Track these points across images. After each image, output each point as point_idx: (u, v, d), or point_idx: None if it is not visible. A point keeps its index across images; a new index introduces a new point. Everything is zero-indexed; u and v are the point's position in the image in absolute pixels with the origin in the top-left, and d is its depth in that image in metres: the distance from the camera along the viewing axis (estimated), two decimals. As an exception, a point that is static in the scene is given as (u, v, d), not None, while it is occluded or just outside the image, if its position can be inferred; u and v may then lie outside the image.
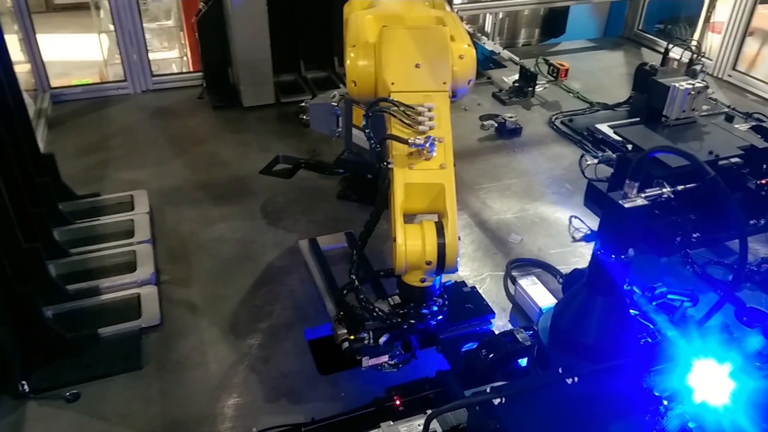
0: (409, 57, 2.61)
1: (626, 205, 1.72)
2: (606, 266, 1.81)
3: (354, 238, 3.72)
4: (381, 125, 2.65)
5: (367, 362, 2.63)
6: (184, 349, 2.99)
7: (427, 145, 2.35)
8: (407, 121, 2.45)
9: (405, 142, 2.38)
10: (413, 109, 2.46)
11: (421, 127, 2.43)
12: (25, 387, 2.72)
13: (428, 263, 2.27)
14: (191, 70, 7.21)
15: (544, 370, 1.98)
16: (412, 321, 2.48)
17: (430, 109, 2.48)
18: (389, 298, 2.61)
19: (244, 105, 5.39)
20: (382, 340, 2.56)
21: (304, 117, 4.19)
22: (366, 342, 2.55)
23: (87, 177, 4.34)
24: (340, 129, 4.11)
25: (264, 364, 2.92)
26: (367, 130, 2.52)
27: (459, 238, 2.36)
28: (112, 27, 5.57)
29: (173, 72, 7.10)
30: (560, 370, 1.86)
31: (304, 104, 4.19)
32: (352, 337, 2.56)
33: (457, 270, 2.42)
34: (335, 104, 4.05)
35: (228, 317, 3.19)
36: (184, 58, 8.21)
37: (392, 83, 2.55)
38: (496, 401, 1.73)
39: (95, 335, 3.01)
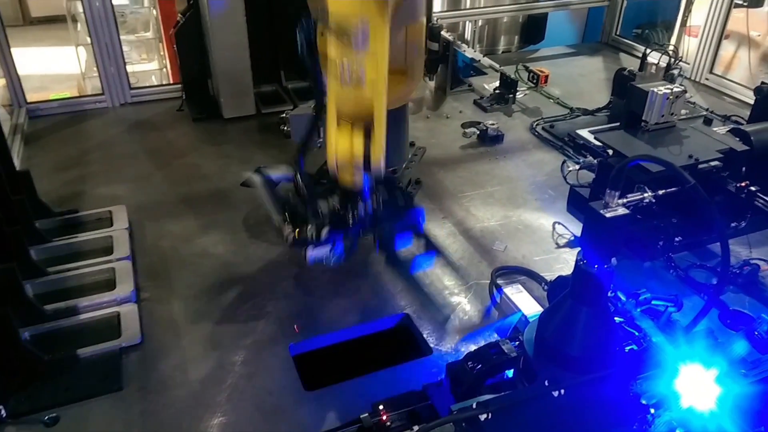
0: None
1: (607, 215, 1.71)
2: (589, 276, 1.80)
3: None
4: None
5: (310, 253, 2.82)
6: (165, 369, 2.93)
7: (358, 69, 2.42)
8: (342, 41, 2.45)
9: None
10: (346, 29, 2.44)
11: (354, 47, 2.45)
12: (2, 412, 2.65)
13: (356, 163, 2.53)
14: (171, 81, 7.15)
15: (530, 382, 1.97)
16: (349, 216, 2.74)
17: (363, 23, 2.44)
18: (328, 198, 2.82)
19: (224, 116, 5.35)
20: (323, 233, 2.78)
21: (285, 128, 4.16)
22: (310, 237, 2.77)
23: (64, 193, 4.27)
24: (321, 140, 4.07)
25: (248, 382, 2.87)
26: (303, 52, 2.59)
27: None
28: (89, 39, 5.49)
29: (152, 84, 7.04)
30: (546, 383, 1.84)
31: (284, 115, 4.16)
32: (296, 233, 2.79)
33: (381, 174, 2.67)
34: (315, 114, 4.02)
35: (210, 334, 3.14)
36: (164, 69, 8.15)
37: None
38: (483, 417, 1.71)
39: (74, 356, 2.94)
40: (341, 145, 2.54)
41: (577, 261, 1.86)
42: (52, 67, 9.22)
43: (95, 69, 5.70)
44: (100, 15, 5.28)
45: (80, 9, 5.96)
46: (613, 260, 1.80)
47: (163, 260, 3.66)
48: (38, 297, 3.24)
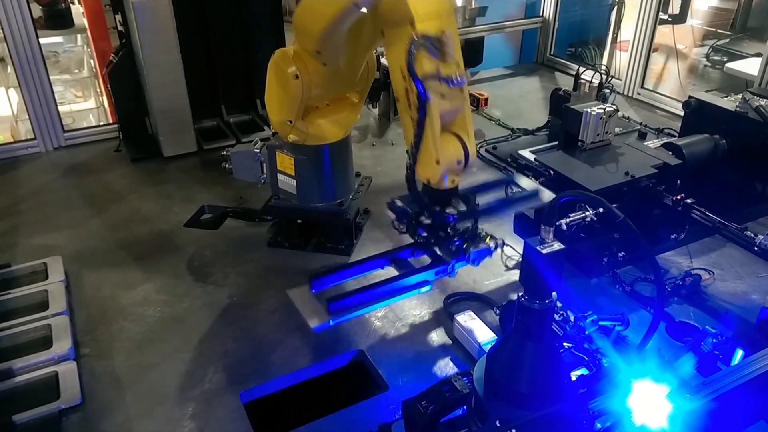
0: None
1: (544, 251, 1.72)
2: (531, 312, 1.80)
3: None
4: None
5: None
6: (109, 429, 2.78)
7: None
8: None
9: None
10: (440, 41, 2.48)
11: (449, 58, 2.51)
12: (-72, 494, 2.46)
13: (459, 163, 2.74)
14: (110, 120, 6.95)
15: (482, 422, 1.94)
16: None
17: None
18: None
19: (164, 155, 5.21)
20: None
21: (227, 166, 4.08)
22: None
23: (-5, 247, 4.07)
24: (265, 176, 4.02)
25: (198, 436, 2.75)
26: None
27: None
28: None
29: (87, 126, 6.81)
30: (498, 423, 1.82)
31: (225, 152, 4.08)
32: None
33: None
34: (258, 151, 3.96)
35: (156, 388, 3.00)
36: (102, 107, 7.94)
37: None
38: (435, 466, 1.67)
39: (10, 423, 2.75)
40: (450, 152, 2.68)
41: (518, 297, 1.86)
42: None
43: (27, 112, 5.48)
44: (28, 57, 5.09)
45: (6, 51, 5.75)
46: (554, 294, 1.81)
47: (102, 312, 3.50)
48: (-32, 362, 3.04)
